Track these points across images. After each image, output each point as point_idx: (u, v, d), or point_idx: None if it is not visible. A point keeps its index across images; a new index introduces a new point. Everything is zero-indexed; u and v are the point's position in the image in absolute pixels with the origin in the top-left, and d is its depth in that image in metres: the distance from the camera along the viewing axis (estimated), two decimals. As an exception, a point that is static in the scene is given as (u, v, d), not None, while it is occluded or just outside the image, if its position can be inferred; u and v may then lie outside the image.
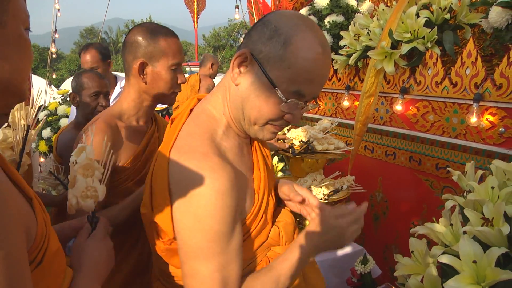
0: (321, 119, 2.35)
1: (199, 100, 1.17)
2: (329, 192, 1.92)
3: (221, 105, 1.08)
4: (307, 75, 0.96)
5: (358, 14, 3.04)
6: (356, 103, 2.72)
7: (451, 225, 1.27)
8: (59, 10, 4.60)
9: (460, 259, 1.05)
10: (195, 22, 5.24)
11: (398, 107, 2.29)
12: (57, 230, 1.00)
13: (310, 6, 3.25)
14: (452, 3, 2.08)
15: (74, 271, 0.96)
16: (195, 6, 5.35)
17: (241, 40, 3.97)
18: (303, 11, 3.29)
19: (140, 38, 1.47)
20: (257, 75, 0.98)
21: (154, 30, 1.49)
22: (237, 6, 3.75)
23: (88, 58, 3.03)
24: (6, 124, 0.91)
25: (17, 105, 1.18)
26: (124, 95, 1.56)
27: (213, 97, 1.11)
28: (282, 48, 0.94)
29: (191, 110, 1.13)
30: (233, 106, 1.05)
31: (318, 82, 0.99)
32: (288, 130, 2.78)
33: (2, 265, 0.63)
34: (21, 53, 0.75)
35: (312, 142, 1.96)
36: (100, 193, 1.06)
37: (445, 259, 1.09)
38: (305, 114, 3.25)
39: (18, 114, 1.30)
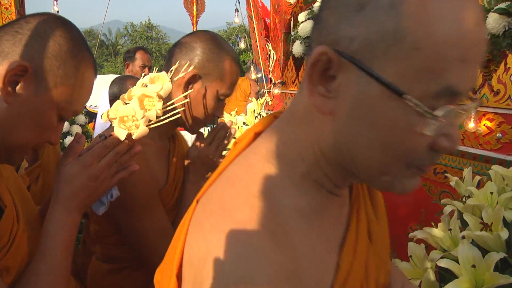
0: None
1: (274, 118, 0.71)
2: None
3: (301, 143, 0.63)
4: (456, 52, 0.49)
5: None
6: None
7: (450, 230, 1.28)
8: (58, 12, 4.60)
9: (459, 264, 1.06)
10: (194, 25, 5.25)
11: (397, 112, 2.29)
12: None
13: (309, 11, 3.25)
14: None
15: (53, 197, 0.91)
16: (195, 9, 5.35)
17: (241, 44, 3.97)
18: (302, 15, 3.30)
19: (205, 47, 1.27)
20: (359, 85, 0.53)
21: (223, 46, 1.29)
22: (236, 10, 3.76)
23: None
24: None
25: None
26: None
27: (289, 128, 0.64)
28: (392, 17, 0.49)
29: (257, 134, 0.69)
30: (328, 147, 0.60)
31: (475, 60, 0.52)
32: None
33: None
34: (34, 127, 0.82)
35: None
36: (138, 133, 0.97)
37: (443, 264, 1.10)
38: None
39: None
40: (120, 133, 0.95)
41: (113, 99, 2.12)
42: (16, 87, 0.79)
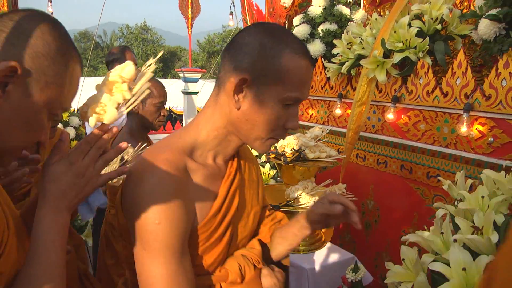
0: (312, 127, 2.36)
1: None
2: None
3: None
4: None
5: (351, 22, 3.07)
6: (348, 111, 2.74)
7: (442, 233, 1.29)
8: (52, 13, 4.60)
9: (450, 267, 1.06)
10: (189, 28, 5.25)
11: (390, 116, 2.31)
12: None
13: (304, 14, 3.27)
14: (443, 14, 2.12)
15: (40, 197, 0.89)
16: (190, 12, 5.36)
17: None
18: (297, 19, 3.31)
19: (255, 44, 0.98)
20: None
21: (280, 38, 0.99)
22: (231, 13, 3.77)
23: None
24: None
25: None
26: (205, 118, 1.08)
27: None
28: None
29: None
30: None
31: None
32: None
33: None
34: (25, 128, 0.82)
35: (304, 150, 1.97)
36: (107, 115, 0.95)
37: (435, 267, 1.10)
38: (297, 122, 3.26)
39: None
40: (91, 122, 0.95)
41: None
42: (6, 89, 0.76)
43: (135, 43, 45.42)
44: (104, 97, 0.95)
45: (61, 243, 0.88)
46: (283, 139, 1.62)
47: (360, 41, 2.51)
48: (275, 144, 2.57)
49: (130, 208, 0.96)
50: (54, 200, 0.88)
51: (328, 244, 2.17)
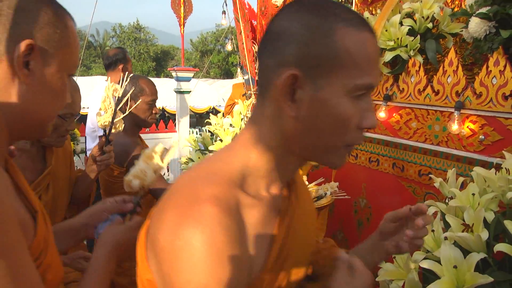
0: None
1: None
2: (313, 198, 1.92)
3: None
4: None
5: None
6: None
7: (433, 231, 1.29)
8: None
9: (441, 264, 1.07)
10: (182, 27, 5.22)
11: (382, 114, 2.31)
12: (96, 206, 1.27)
13: (296, 13, 3.27)
14: (434, 13, 2.13)
15: (99, 246, 1.09)
16: (182, 11, 5.33)
17: (228, 46, 3.97)
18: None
19: (298, 26, 0.74)
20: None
21: (329, 8, 0.74)
22: (223, 12, 3.76)
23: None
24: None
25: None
26: (254, 136, 0.82)
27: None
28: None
29: None
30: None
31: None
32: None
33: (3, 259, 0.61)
34: (54, 95, 0.87)
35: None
36: (148, 178, 1.27)
37: (426, 264, 1.11)
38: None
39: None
40: (135, 184, 1.27)
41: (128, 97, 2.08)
42: (29, 67, 0.80)
43: (127, 42, 45.21)
44: (143, 166, 1.28)
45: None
46: (361, 143, 1.26)
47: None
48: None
49: (165, 261, 0.71)
50: (112, 250, 1.10)
51: (321, 243, 2.17)
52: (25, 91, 0.80)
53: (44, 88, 0.84)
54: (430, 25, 2.14)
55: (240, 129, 2.76)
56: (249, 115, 2.91)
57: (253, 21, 3.75)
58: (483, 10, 1.81)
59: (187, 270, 0.67)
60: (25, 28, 0.79)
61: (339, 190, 2.10)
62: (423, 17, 2.14)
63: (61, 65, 0.86)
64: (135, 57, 41.74)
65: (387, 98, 2.30)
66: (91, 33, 45.78)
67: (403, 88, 2.24)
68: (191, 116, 9.37)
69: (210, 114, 3.03)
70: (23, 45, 0.77)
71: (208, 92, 12.86)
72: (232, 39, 3.87)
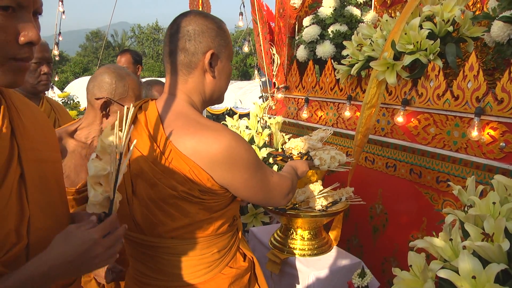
0: (319, 129, 2.34)
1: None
2: (328, 204, 1.90)
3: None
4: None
5: (362, 24, 3.04)
6: (358, 113, 2.71)
7: (451, 239, 1.26)
8: (63, 12, 4.60)
9: (459, 275, 1.03)
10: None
11: (400, 119, 2.27)
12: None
13: (314, 15, 3.25)
14: (455, 16, 2.08)
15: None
16: (200, 13, 5.34)
17: (245, 47, 3.96)
18: (307, 20, 3.29)
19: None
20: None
21: None
22: (241, 13, 3.75)
23: (122, 60, 3.65)
24: (94, 155, 1.03)
25: (106, 130, 1.04)
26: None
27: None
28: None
29: None
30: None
31: None
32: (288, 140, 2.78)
33: None
34: (226, 78, 1.35)
35: (310, 152, 1.95)
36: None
37: (443, 274, 1.07)
38: (304, 123, 3.24)
39: (107, 140, 1.03)
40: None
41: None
42: (212, 66, 1.27)
43: (146, 43, 45.64)
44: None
45: None
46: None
47: (370, 43, 2.48)
48: (282, 147, 2.55)
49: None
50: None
51: (335, 248, 2.14)
52: (211, 81, 1.29)
53: (221, 75, 1.31)
54: (450, 28, 2.10)
55: (256, 131, 2.75)
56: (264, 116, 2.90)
57: (271, 23, 3.74)
58: (507, 13, 1.76)
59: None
60: (206, 43, 1.25)
61: (355, 196, 2.06)
62: (443, 20, 2.10)
63: (227, 58, 1.31)
64: (153, 58, 42.09)
65: (405, 103, 2.27)
66: (110, 34, 46.38)
67: (421, 93, 2.20)
68: (208, 117, 9.39)
69: (226, 115, 3.03)
70: (208, 54, 1.25)
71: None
72: (249, 40, 3.85)
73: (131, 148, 1.06)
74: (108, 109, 1.62)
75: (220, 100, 1.40)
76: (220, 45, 1.27)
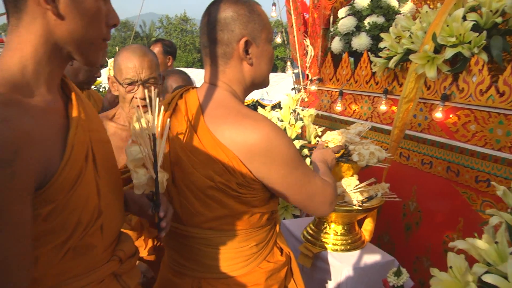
0: (355, 122, 2.29)
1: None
2: (363, 199, 1.85)
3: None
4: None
5: (399, 15, 2.94)
6: (394, 108, 2.64)
7: (496, 242, 1.20)
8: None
9: (508, 281, 0.98)
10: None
11: (438, 115, 2.19)
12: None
13: (350, 6, 3.17)
14: (506, 6, 1.97)
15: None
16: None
17: (278, 39, 3.92)
18: (343, 11, 3.22)
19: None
20: None
21: None
22: (273, 4, 3.69)
23: (154, 50, 3.47)
24: (130, 141, 1.16)
25: (135, 114, 1.10)
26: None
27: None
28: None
29: None
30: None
31: None
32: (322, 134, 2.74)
33: None
34: (269, 61, 1.29)
35: (348, 146, 1.90)
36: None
37: (490, 279, 1.02)
38: (337, 116, 3.18)
39: (139, 124, 1.08)
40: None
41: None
42: (248, 53, 1.22)
43: (174, 34, 45.93)
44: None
45: None
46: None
47: (410, 35, 2.40)
48: (318, 139, 2.50)
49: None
50: None
51: (368, 244, 2.10)
52: (250, 68, 1.25)
53: (261, 60, 1.26)
54: (499, 19, 1.99)
55: (289, 122, 2.71)
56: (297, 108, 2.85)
57: (305, 14, 3.68)
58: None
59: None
60: (239, 31, 1.20)
61: (390, 192, 2.01)
62: (491, 11, 2.00)
63: (264, 41, 1.25)
64: (181, 48, 42.34)
65: (445, 98, 2.18)
66: (139, 24, 46.86)
67: (462, 88, 2.12)
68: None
69: (259, 106, 2.99)
70: (241, 43, 1.20)
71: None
72: (282, 31, 3.80)
73: (166, 128, 1.11)
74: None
75: (264, 83, 1.33)
76: (254, 30, 1.21)
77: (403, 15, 2.93)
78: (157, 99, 1.07)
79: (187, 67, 32.42)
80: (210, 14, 1.21)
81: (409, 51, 2.35)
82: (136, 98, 1.68)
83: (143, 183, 1.10)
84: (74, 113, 0.96)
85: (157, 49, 3.59)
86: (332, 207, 1.35)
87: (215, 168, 1.14)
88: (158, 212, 1.08)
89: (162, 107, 1.18)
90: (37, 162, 0.80)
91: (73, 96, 0.98)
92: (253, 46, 1.22)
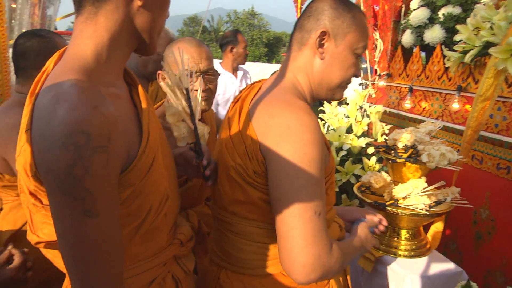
0: (424, 121, 2.13)
1: None
2: (431, 203, 1.72)
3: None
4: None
5: (478, 5, 2.71)
6: (468, 106, 2.44)
7: None
8: None
9: None
10: (298, 12, 5.07)
11: (519, 115, 1.99)
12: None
13: (423, -3, 2.98)
14: None
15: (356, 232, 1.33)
16: (300, -5, 5.17)
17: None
18: (415, 2, 3.03)
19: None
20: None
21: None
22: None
23: None
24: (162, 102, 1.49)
25: (171, 73, 1.24)
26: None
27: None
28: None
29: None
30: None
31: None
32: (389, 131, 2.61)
33: None
34: (341, 68, 1.22)
35: (416, 146, 1.78)
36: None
37: None
38: (406, 114, 3.02)
39: (172, 82, 1.23)
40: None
41: None
42: (324, 47, 1.19)
43: (241, 28, 46.49)
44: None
45: None
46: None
47: (490, 26, 2.19)
48: (385, 137, 2.37)
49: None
50: None
51: (433, 252, 1.95)
52: (320, 63, 1.20)
53: (334, 62, 1.20)
54: None
55: (355, 119, 2.60)
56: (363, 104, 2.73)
57: (375, 6, 3.53)
58: None
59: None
60: (323, 21, 1.18)
61: (460, 197, 1.85)
62: None
63: (346, 45, 1.19)
64: (248, 42, 42.83)
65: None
66: (207, 19, 47.89)
67: (551, 86, 1.90)
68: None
69: (322, 102, 2.89)
70: (319, 31, 1.17)
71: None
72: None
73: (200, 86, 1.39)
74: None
75: (333, 92, 1.25)
76: (340, 28, 1.18)
77: (484, 4, 2.69)
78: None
79: (254, 61, 32.78)
80: (310, 3, 1.23)
81: (488, 44, 2.15)
82: (196, 90, 1.47)
83: (184, 135, 1.24)
84: (143, 100, 1.00)
85: (241, 37, 3.97)
86: (312, 274, 0.99)
87: (239, 150, 1.15)
88: (201, 161, 1.18)
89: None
90: (123, 147, 0.84)
91: (138, 84, 1.04)
92: (331, 42, 1.19)
